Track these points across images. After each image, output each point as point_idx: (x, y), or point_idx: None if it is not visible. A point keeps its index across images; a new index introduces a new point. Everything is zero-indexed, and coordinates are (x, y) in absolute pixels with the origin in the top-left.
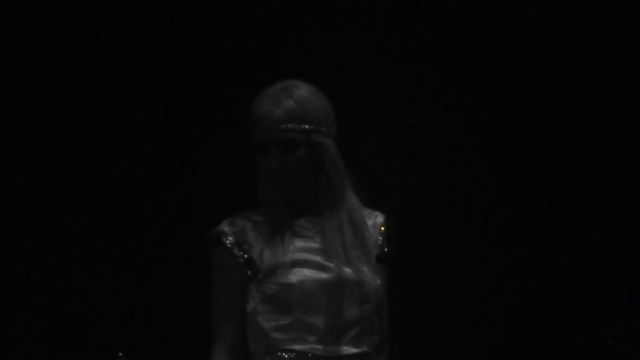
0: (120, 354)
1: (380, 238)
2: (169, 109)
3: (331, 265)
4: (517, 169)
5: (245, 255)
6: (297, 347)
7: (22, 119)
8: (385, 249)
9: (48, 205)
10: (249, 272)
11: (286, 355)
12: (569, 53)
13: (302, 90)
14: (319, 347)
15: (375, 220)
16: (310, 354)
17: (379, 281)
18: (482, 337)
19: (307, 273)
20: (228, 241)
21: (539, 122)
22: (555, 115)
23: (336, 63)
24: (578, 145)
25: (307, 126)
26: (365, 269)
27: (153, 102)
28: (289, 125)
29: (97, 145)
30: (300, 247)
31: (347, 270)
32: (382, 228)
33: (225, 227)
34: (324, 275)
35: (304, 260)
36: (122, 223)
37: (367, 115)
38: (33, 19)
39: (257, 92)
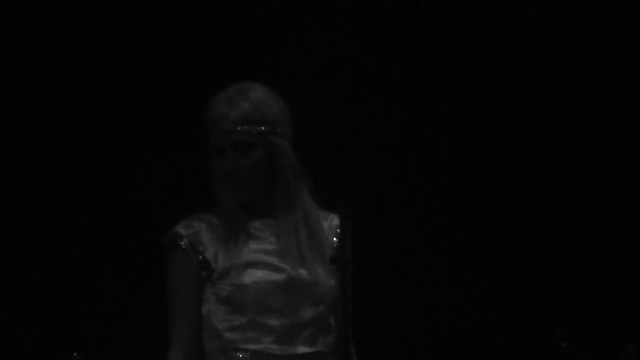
0: (75, 354)
1: (335, 240)
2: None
3: (285, 266)
4: (477, 168)
5: (200, 257)
6: (251, 346)
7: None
8: (340, 251)
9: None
10: (203, 273)
11: (241, 355)
12: (551, 51)
13: (258, 92)
14: (274, 346)
15: (331, 222)
16: (265, 354)
17: (333, 282)
18: (438, 337)
19: (260, 274)
20: (183, 243)
21: (502, 121)
22: (527, 115)
23: (296, 67)
24: (550, 140)
25: (262, 128)
26: (319, 270)
27: (127, 103)
28: (245, 127)
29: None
30: (254, 248)
31: (302, 272)
32: (338, 230)
33: (180, 229)
34: (277, 276)
35: (258, 262)
36: (79, 226)
37: (325, 118)
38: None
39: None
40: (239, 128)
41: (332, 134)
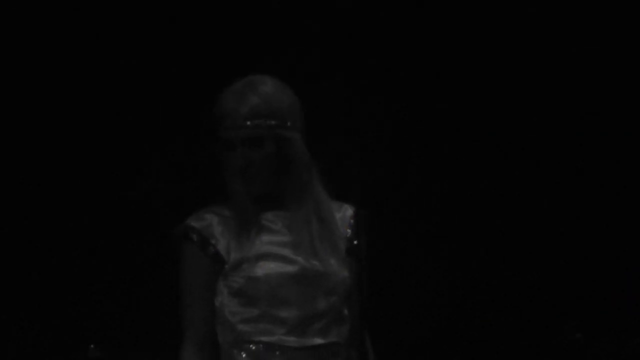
0: (91, 347)
1: (349, 231)
2: (141, 105)
3: (298, 258)
4: (490, 163)
5: (212, 250)
6: (264, 338)
7: None
8: (355, 242)
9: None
10: (216, 266)
11: (254, 347)
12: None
13: (267, 86)
14: (287, 338)
15: (344, 213)
16: (278, 346)
17: (346, 273)
18: (452, 328)
19: (272, 266)
20: (195, 236)
21: (513, 116)
22: (528, 112)
23: (309, 60)
24: (550, 137)
25: (272, 122)
26: (332, 261)
27: (128, 98)
28: (254, 122)
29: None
30: (267, 240)
31: (314, 263)
32: (352, 221)
33: (192, 221)
34: (290, 268)
35: (270, 254)
36: (90, 219)
37: (338, 110)
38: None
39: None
40: (248, 123)
41: (345, 124)
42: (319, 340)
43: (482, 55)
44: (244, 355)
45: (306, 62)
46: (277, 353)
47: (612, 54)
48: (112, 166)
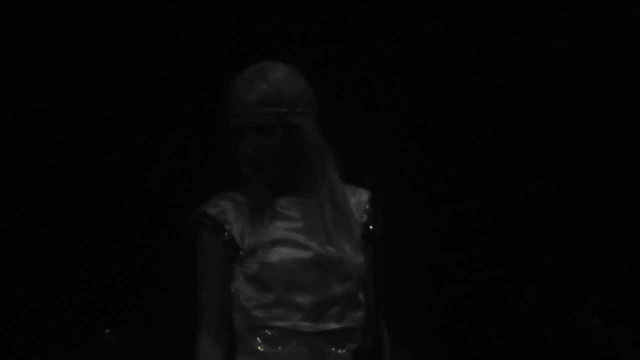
0: (107, 331)
1: (365, 216)
2: (154, 87)
3: (312, 244)
4: (508, 146)
5: (227, 236)
6: (279, 324)
7: None
8: (370, 227)
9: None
10: (231, 252)
11: (269, 333)
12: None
13: (277, 73)
14: (302, 323)
15: (359, 198)
16: (293, 331)
17: (361, 258)
18: (468, 312)
19: (287, 252)
20: (209, 222)
21: (531, 98)
22: (545, 94)
23: (321, 45)
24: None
25: (282, 109)
26: (347, 246)
27: (139, 79)
28: (263, 110)
29: (80, 123)
30: (281, 226)
31: (329, 249)
32: (367, 205)
33: (206, 208)
34: (304, 254)
35: (284, 240)
36: (107, 203)
37: (351, 95)
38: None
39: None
40: (257, 111)
41: (361, 108)
42: (334, 325)
43: (500, 39)
44: (259, 341)
45: (323, 47)
46: (293, 338)
47: (617, 53)
48: (129, 151)
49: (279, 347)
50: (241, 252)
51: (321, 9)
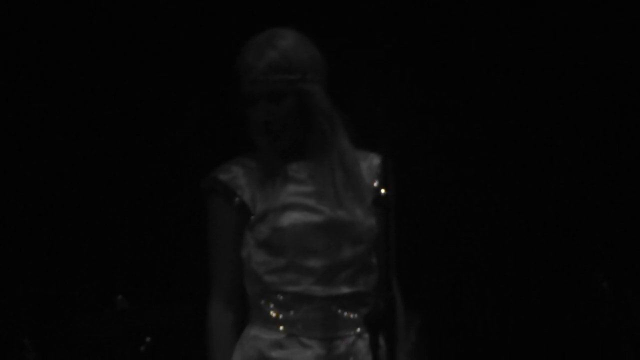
0: (119, 297)
1: (376, 180)
2: (165, 60)
3: (323, 207)
4: (521, 115)
5: (238, 201)
6: (291, 288)
7: None
8: (382, 191)
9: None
10: (242, 217)
11: (281, 298)
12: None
13: (287, 40)
14: (314, 287)
15: (371, 162)
16: (305, 295)
17: (373, 222)
18: (479, 277)
19: (298, 216)
20: (221, 188)
21: (541, 74)
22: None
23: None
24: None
25: (291, 76)
26: (357, 210)
27: (148, 54)
28: (273, 77)
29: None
30: (292, 191)
31: (340, 212)
32: (379, 170)
33: (218, 174)
34: (315, 218)
35: (295, 204)
36: (118, 172)
37: (365, 62)
38: None
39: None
40: (267, 78)
41: (373, 75)
42: (346, 289)
43: (511, 19)
44: (272, 306)
45: (335, 14)
46: (304, 302)
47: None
48: (141, 119)
49: (291, 312)
50: (252, 217)
51: None
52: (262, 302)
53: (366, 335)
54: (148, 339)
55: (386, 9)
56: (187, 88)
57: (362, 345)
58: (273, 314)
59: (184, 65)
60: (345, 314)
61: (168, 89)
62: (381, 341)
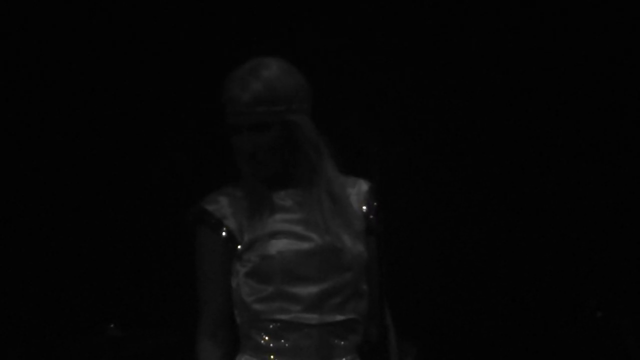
0: (111, 326)
1: (365, 207)
2: (154, 82)
3: (311, 234)
4: (510, 135)
5: (225, 231)
6: (280, 317)
7: None
8: (371, 217)
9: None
10: (230, 247)
11: (271, 326)
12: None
13: (271, 70)
14: (303, 315)
15: (359, 189)
16: (295, 323)
17: (362, 248)
18: (471, 302)
19: (286, 243)
20: (208, 218)
21: (533, 85)
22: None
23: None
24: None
25: (276, 107)
26: (345, 237)
27: (139, 76)
28: (257, 108)
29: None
30: (279, 218)
31: (328, 239)
32: (367, 196)
33: (205, 204)
34: (303, 245)
35: (283, 231)
36: (109, 198)
37: (349, 86)
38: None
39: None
40: (252, 110)
41: (358, 99)
42: (335, 317)
43: (497, 27)
44: (262, 335)
45: (321, 38)
46: (295, 331)
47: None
48: (131, 146)
49: (282, 340)
50: (240, 247)
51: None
52: (253, 331)
53: None
54: None
55: (386, 9)
56: (187, 88)
57: None
58: (264, 342)
59: (183, 65)
60: (336, 341)
61: (168, 89)
62: None
